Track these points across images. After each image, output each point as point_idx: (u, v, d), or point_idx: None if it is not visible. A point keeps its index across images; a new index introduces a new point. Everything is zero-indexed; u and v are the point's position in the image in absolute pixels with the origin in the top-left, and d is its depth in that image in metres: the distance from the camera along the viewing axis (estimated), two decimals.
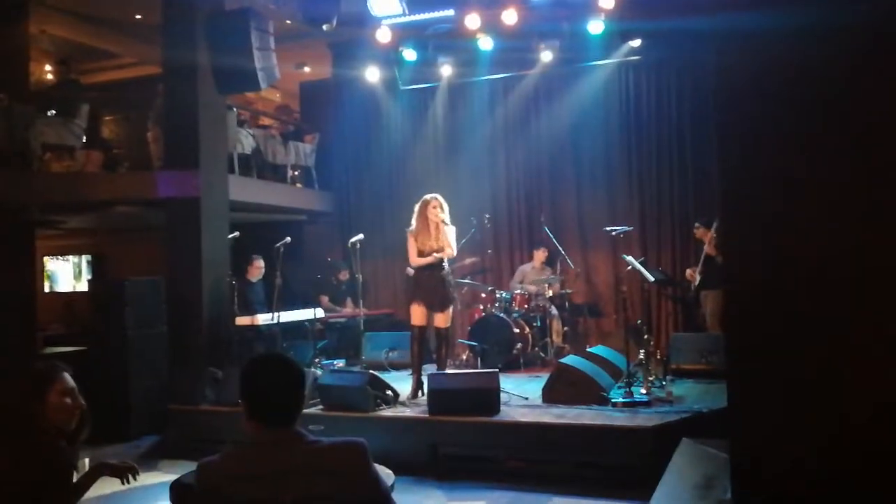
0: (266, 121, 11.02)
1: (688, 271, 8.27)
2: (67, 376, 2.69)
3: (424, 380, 6.47)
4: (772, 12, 2.84)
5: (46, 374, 2.66)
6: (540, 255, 9.19)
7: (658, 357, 7.35)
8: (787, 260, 2.83)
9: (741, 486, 2.99)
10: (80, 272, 12.06)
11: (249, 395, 2.20)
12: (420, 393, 6.50)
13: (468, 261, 9.28)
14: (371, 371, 6.77)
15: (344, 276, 9.58)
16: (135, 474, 2.77)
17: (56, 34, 10.32)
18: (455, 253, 6.75)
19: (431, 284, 6.56)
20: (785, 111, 2.86)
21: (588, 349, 7.48)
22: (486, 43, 8.94)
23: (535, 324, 8.51)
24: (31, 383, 2.62)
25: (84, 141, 8.53)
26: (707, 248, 7.76)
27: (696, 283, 8.02)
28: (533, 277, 9.03)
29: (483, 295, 8.76)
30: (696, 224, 8.18)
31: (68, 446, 2.66)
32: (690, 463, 4.40)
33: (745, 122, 2.98)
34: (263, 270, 8.60)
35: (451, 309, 6.70)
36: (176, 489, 3.40)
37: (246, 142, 9.28)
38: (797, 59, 2.82)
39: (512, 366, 8.09)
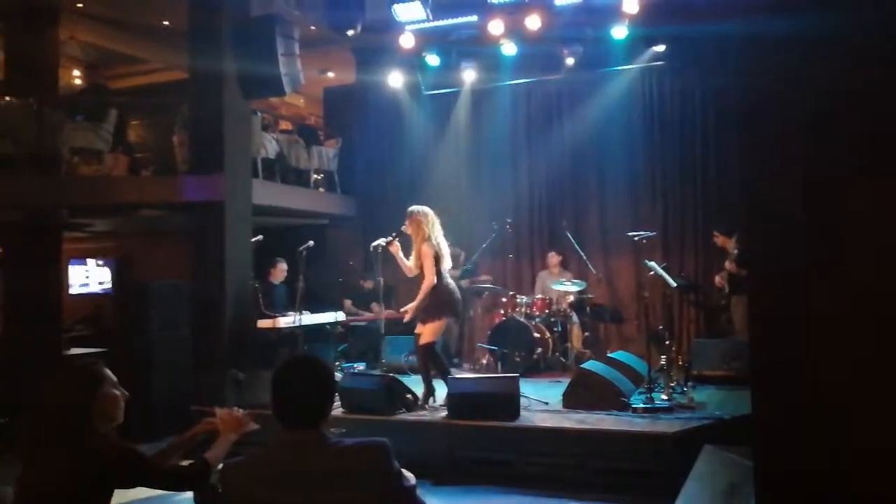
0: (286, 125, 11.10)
1: (717, 278, 8.17)
2: (108, 370, 2.73)
3: (438, 387, 6.50)
4: (800, 17, 2.82)
5: (95, 370, 2.68)
6: (553, 258, 9.17)
7: (680, 363, 7.31)
8: (813, 264, 2.81)
9: (766, 494, 2.97)
10: (105, 274, 12.19)
11: (272, 396, 2.23)
12: (432, 399, 6.50)
13: (483, 277, 9.26)
14: (391, 375, 6.79)
15: (369, 284, 9.57)
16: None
17: (85, 40, 10.48)
18: (429, 279, 6.33)
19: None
20: (812, 118, 2.84)
21: (609, 354, 7.44)
22: (509, 48, 8.96)
23: (555, 328, 8.48)
24: (84, 382, 2.63)
25: (111, 145, 8.66)
26: (728, 266, 7.68)
27: (726, 290, 7.93)
28: (551, 282, 9.00)
29: (504, 299, 8.76)
30: (715, 232, 8.11)
31: (122, 438, 2.70)
32: (714, 470, 4.37)
33: (770, 129, 2.96)
34: (286, 273, 8.66)
35: (428, 325, 6.37)
36: (200, 491, 3.42)
37: (270, 146, 9.36)
38: (825, 65, 2.80)
39: (532, 370, 8.07)
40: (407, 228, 6.49)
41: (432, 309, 6.38)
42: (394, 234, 6.54)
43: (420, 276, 6.50)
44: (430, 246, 6.36)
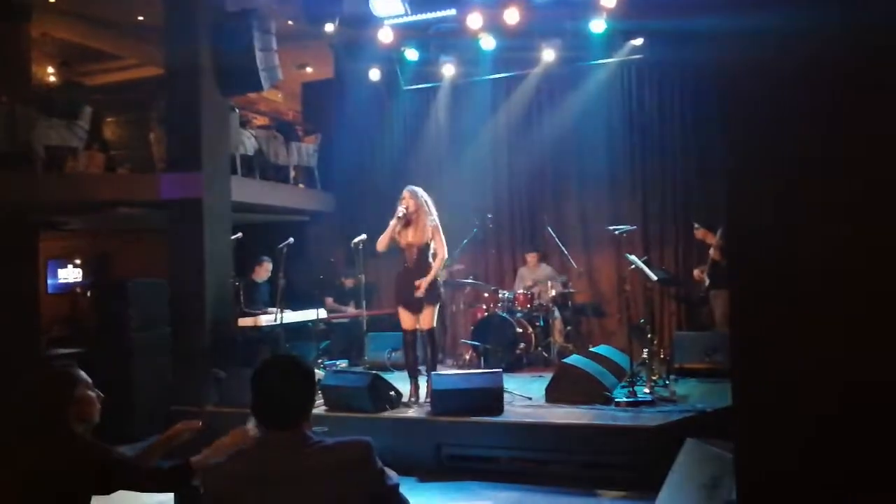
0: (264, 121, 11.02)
1: (695, 271, 8.22)
2: (82, 371, 2.72)
3: (421, 383, 6.49)
4: (779, 10, 2.83)
5: (68, 373, 2.67)
6: (532, 258, 9.16)
7: (661, 356, 7.34)
8: (793, 257, 2.83)
9: (747, 486, 2.98)
10: (82, 274, 12.06)
11: (252, 397, 2.22)
12: (416, 396, 6.48)
13: (456, 267, 9.21)
14: (374, 372, 6.77)
15: (349, 283, 9.53)
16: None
17: (58, 36, 10.33)
18: (443, 253, 6.48)
19: (403, 284, 6.49)
20: (793, 113, 2.84)
21: (591, 349, 7.46)
22: (488, 42, 8.94)
23: (537, 323, 8.49)
24: (59, 385, 2.61)
25: (86, 142, 8.54)
26: (713, 254, 7.72)
27: (706, 283, 7.97)
28: (531, 277, 9.00)
29: (486, 295, 8.75)
30: (696, 225, 8.14)
31: (97, 440, 2.67)
32: (695, 463, 4.38)
33: (750, 124, 2.96)
34: (271, 272, 8.61)
35: (428, 309, 6.41)
36: (181, 492, 3.38)
37: (248, 143, 9.29)
38: (806, 60, 2.81)
39: (515, 366, 8.08)
40: (409, 206, 6.42)
41: (433, 293, 6.40)
42: (402, 214, 6.42)
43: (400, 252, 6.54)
44: (436, 222, 6.43)
